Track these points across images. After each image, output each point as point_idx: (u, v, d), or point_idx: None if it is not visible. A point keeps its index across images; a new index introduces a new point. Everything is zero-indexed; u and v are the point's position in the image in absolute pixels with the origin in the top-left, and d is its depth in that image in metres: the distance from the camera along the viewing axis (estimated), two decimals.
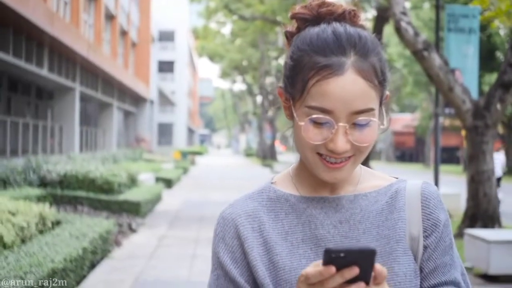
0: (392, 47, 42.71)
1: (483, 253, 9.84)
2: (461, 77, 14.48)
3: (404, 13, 13.46)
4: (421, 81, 44.16)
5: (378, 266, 1.35)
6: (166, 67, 79.77)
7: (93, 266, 10.12)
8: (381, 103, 1.60)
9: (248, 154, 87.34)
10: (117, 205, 16.09)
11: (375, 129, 1.55)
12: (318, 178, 1.63)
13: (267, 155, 63.80)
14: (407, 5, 40.44)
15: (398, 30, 13.55)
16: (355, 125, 1.52)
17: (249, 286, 1.64)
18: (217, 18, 45.66)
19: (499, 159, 22.86)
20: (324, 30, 1.58)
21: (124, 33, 45.46)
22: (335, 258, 1.31)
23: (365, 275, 1.34)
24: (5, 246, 8.03)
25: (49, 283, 7.16)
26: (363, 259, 1.33)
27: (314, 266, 1.36)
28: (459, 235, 12.23)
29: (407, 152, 73.78)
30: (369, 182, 1.74)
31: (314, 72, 1.53)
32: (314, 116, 1.51)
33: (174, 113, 79.73)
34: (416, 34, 13.35)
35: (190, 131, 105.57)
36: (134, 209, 16.08)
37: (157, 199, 19.95)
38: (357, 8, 1.66)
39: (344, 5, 1.65)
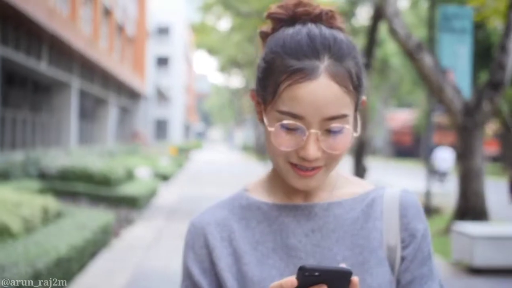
0: (389, 44, 42.92)
1: (468, 247, 10.27)
2: (453, 77, 14.83)
3: (396, 15, 13.81)
4: (418, 78, 44.45)
5: (355, 283, 1.33)
6: (162, 62, 79.82)
7: (93, 255, 10.49)
8: (356, 108, 1.56)
9: (244, 149, 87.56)
10: (114, 198, 16.43)
11: (349, 136, 1.50)
12: (291, 185, 1.59)
13: (263, 151, 64.03)
14: (405, 3, 40.76)
15: (391, 31, 13.92)
16: (327, 132, 1.48)
17: None
18: (214, 12, 45.86)
19: (443, 155, 26.02)
20: (298, 31, 1.52)
21: (120, 28, 45.73)
22: (309, 277, 1.29)
23: None
24: (12, 236, 8.37)
25: (55, 270, 7.55)
26: (338, 280, 1.31)
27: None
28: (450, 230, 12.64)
29: (405, 149, 73.91)
30: (345, 189, 1.68)
31: (286, 76, 1.47)
32: (285, 122, 1.47)
33: (170, 108, 79.94)
34: (408, 35, 13.72)
35: (186, 126, 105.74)
36: (132, 203, 16.42)
37: (153, 193, 20.28)
38: (335, 9, 1.60)
39: (322, 6, 1.59)
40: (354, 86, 1.50)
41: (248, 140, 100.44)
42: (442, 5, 21.97)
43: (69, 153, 23.00)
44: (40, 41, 23.48)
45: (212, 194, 22.40)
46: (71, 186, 16.48)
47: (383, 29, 23.39)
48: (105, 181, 16.97)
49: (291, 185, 1.56)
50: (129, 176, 19.72)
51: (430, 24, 17.49)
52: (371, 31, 19.90)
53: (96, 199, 16.09)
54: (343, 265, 1.33)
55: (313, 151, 1.46)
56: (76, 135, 31.67)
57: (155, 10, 71.15)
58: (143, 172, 24.41)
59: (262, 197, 1.67)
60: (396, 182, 26.30)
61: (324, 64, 1.46)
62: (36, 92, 28.92)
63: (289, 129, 1.47)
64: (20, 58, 21.09)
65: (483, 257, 10.15)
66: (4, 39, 19.50)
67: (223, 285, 1.57)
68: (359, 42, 28.45)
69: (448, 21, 15.78)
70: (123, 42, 46.56)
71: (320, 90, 1.44)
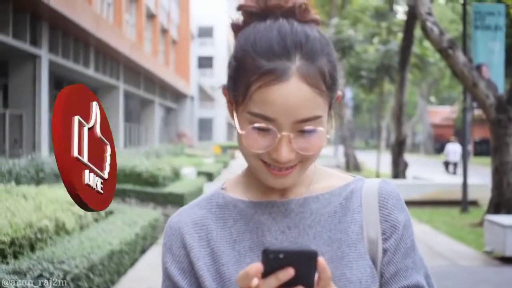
0: (427, 41, 42.75)
1: (500, 237, 10.69)
2: (487, 73, 15.13)
3: (429, 14, 14.19)
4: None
5: (322, 265, 1.27)
6: (205, 62, 79.98)
7: (143, 251, 11.10)
8: (330, 106, 1.52)
9: None
10: (162, 197, 17.03)
11: (322, 136, 1.46)
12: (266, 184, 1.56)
13: None
14: (442, 0, 40.74)
15: (424, 29, 14.31)
16: (300, 132, 1.44)
17: None
18: None
19: (454, 148, 31.68)
20: (269, 28, 1.46)
21: (164, 31, 46.44)
22: (274, 260, 1.25)
23: (307, 278, 1.28)
24: (67, 232, 9.01)
25: (108, 263, 8.18)
26: (304, 261, 1.26)
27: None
28: None
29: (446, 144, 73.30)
30: (323, 182, 1.65)
31: (256, 77, 1.42)
32: (257, 125, 1.44)
33: (214, 108, 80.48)
34: (441, 33, 14.09)
35: (230, 126, 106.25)
36: (178, 201, 16.99)
37: (199, 191, 20.81)
38: (307, 1, 1.53)
39: None
40: (327, 86, 1.46)
41: None
42: (476, 2, 22.18)
43: (116, 154, 23.70)
44: (87, 46, 24.31)
45: None
46: (120, 185, 17.11)
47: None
48: (153, 180, 17.59)
49: (266, 183, 1.54)
50: (176, 175, 20.35)
51: (464, 20, 17.80)
52: (407, 29, 20.29)
53: (145, 198, 16.70)
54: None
55: (285, 153, 1.44)
56: (123, 137, 32.43)
57: (198, 12, 71.75)
58: (188, 172, 25.01)
59: (239, 195, 1.65)
60: (433, 177, 26.60)
61: (295, 64, 1.42)
62: None
63: (261, 130, 1.44)
64: (68, 63, 21.91)
65: None
66: (53, 46, 20.32)
67: (202, 285, 1.56)
68: (398, 39, 28.78)
69: (481, 18, 16.04)
70: (167, 45, 47.27)
71: (291, 92, 1.40)
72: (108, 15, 28.97)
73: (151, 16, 40.46)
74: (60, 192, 10.89)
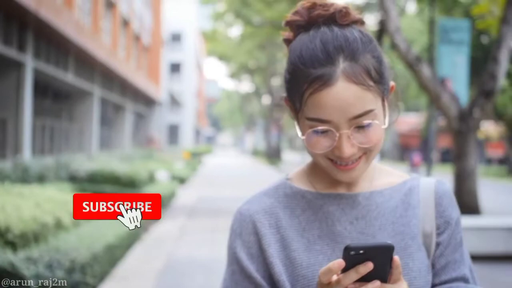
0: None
1: None
2: (451, 86, 15.96)
3: (397, 30, 15.00)
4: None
5: (396, 259, 1.39)
6: (174, 68, 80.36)
7: (129, 246, 11.87)
8: (383, 98, 1.58)
9: (255, 153, 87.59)
10: None
11: (378, 128, 1.53)
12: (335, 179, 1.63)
13: (272, 155, 64.53)
14: (413, 8, 41.55)
15: (392, 45, 15.13)
16: (357, 128, 1.51)
17: (264, 282, 1.63)
18: (225, 21, 46.22)
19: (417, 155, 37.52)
20: (312, 39, 1.55)
21: (137, 38, 46.79)
22: (354, 256, 1.33)
23: (382, 272, 1.38)
24: (64, 228, 9.73)
25: (106, 254, 8.98)
26: (381, 256, 1.35)
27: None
28: None
29: (412, 152, 73.34)
30: (383, 179, 1.74)
31: (307, 85, 1.50)
32: (315, 128, 1.51)
33: (182, 113, 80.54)
34: (408, 48, 14.87)
35: (197, 131, 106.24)
36: None
37: (172, 194, 21.56)
38: (348, 5, 1.61)
39: (335, 5, 1.60)
40: (375, 80, 1.53)
41: (258, 145, 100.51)
42: (444, 15, 23.07)
43: (91, 158, 24.27)
44: (67, 53, 24.85)
45: (226, 195, 23.63)
46: (99, 187, 17.75)
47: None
48: (130, 183, 18.26)
49: (335, 178, 1.63)
50: (151, 178, 21.06)
51: (432, 33, 18.62)
52: (377, 39, 21.13)
53: None
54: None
55: (347, 149, 1.52)
56: (97, 141, 32.86)
57: (168, 18, 71.87)
58: (162, 175, 25.65)
59: (306, 186, 1.72)
60: None
61: (339, 68, 1.49)
62: (61, 101, 30.21)
63: (321, 132, 1.52)
64: (50, 70, 22.46)
65: (470, 246, 11.51)
66: (37, 53, 20.91)
67: (271, 270, 1.62)
68: None
69: (446, 33, 16.88)
70: (139, 51, 47.53)
71: (340, 94, 1.47)
72: (86, 22, 29.45)
73: (125, 23, 40.80)
74: (51, 192, 11.62)
